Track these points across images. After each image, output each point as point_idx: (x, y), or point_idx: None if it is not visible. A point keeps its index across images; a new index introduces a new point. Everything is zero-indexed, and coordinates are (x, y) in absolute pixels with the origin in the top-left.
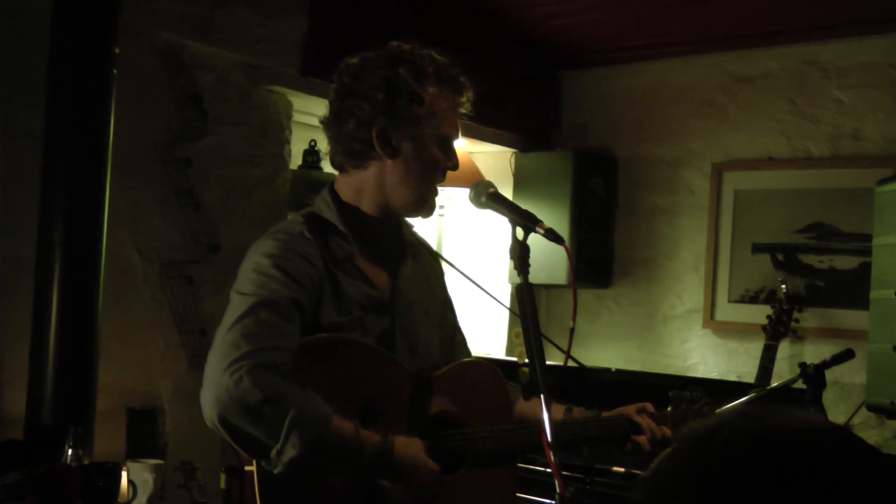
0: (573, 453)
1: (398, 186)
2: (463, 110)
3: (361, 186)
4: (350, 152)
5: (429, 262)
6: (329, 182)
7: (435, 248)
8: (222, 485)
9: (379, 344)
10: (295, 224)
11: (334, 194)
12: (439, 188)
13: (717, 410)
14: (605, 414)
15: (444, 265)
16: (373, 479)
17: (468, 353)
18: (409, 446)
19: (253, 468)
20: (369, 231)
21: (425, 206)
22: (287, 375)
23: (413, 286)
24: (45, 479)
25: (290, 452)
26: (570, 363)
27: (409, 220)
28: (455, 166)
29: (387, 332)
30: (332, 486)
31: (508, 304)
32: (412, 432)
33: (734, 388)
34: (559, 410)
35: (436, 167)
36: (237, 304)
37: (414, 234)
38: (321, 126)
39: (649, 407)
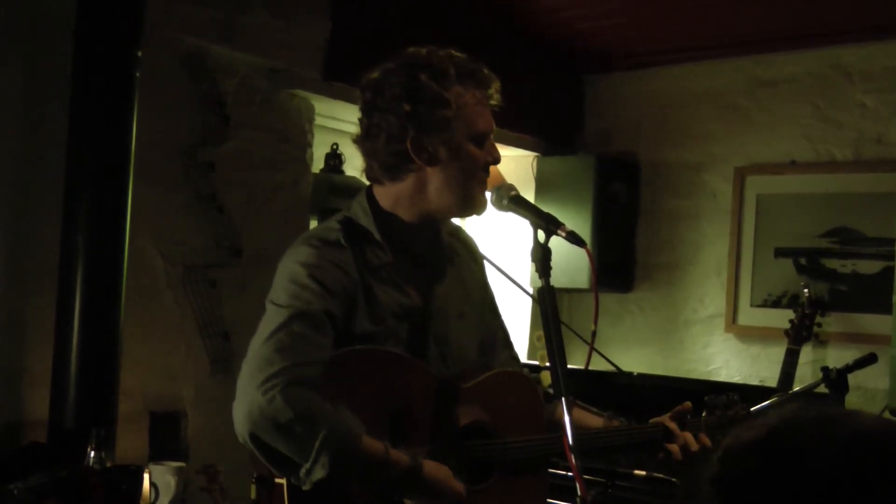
0: (608, 461)
1: (441, 192)
2: (493, 101)
3: (399, 196)
4: (386, 167)
5: (467, 262)
6: (365, 187)
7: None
8: (252, 495)
9: (410, 351)
10: (331, 231)
11: (372, 200)
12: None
13: (755, 408)
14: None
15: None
16: (400, 497)
17: (512, 351)
18: (438, 470)
19: (283, 480)
20: (406, 239)
21: (473, 205)
22: (318, 389)
23: (448, 291)
24: (69, 482)
25: (319, 473)
26: (599, 364)
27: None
28: (497, 159)
29: (419, 339)
30: (361, 501)
31: (530, 306)
32: (443, 442)
33: (757, 393)
34: (597, 420)
35: (476, 165)
36: (271, 316)
37: (453, 234)
38: (354, 144)
39: (687, 406)
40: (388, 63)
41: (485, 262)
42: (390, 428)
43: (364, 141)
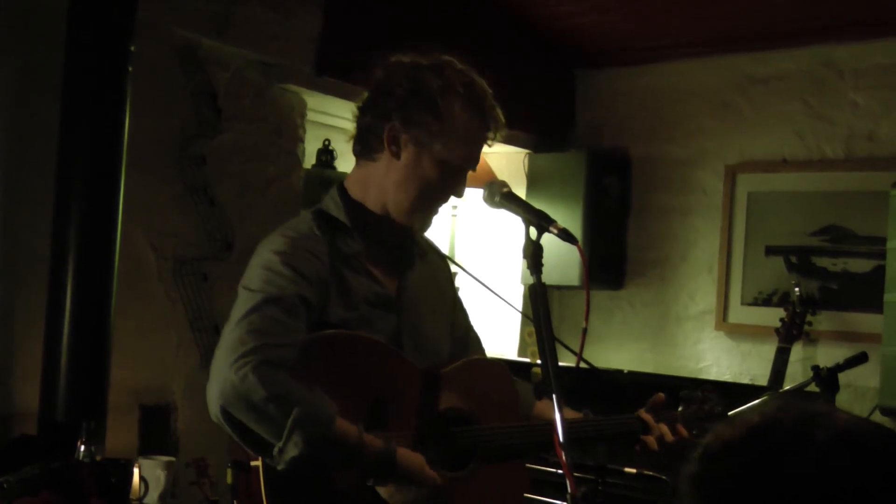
0: (589, 453)
1: (396, 189)
2: (487, 144)
3: (369, 180)
4: (363, 142)
5: (437, 262)
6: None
7: (448, 247)
8: (229, 480)
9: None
10: (304, 221)
11: (343, 192)
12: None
13: (734, 411)
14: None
15: (457, 268)
16: (374, 483)
17: (482, 350)
18: (412, 458)
19: (259, 463)
20: (375, 229)
21: (416, 218)
22: (292, 372)
23: (420, 285)
24: (59, 475)
25: (292, 451)
26: (583, 365)
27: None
28: (458, 195)
29: (393, 329)
30: (337, 484)
31: (522, 304)
32: (422, 427)
33: (747, 391)
34: (575, 416)
35: (429, 187)
36: (244, 300)
37: (422, 236)
38: (356, 111)
39: (661, 397)
40: (413, 55)
41: (461, 267)
42: (368, 412)
43: (358, 113)
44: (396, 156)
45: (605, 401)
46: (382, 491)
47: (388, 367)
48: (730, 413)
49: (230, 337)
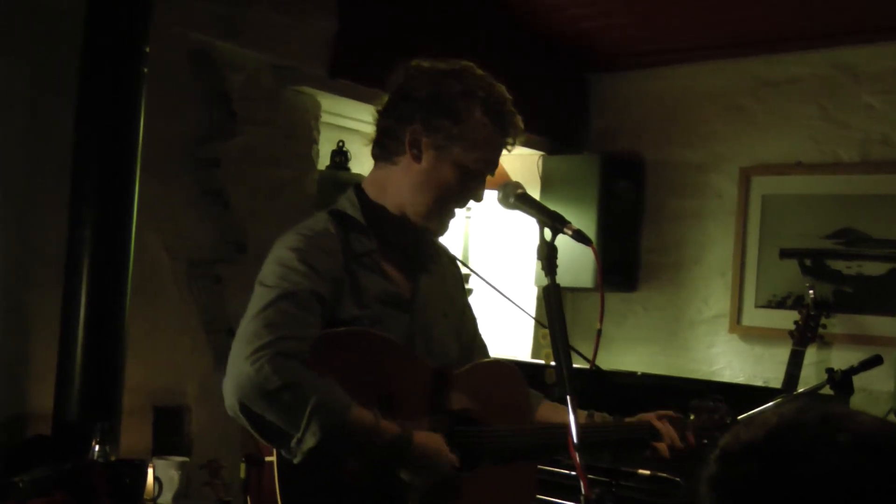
0: (595, 457)
1: (414, 192)
2: (506, 149)
3: (387, 183)
4: (383, 145)
5: (448, 266)
6: (356, 182)
7: (462, 250)
8: (242, 474)
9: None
10: (319, 220)
11: (360, 192)
12: (458, 211)
13: (744, 416)
14: (626, 420)
15: (469, 272)
16: (392, 469)
17: (487, 357)
18: (430, 438)
19: (273, 458)
20: (391, 229)
21: (433, 222)
22: (307, 364)
23: (432, 287)
24: (73, 475)
25: (310, 441)
26: (604, 363)
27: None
28: (477, 199)
29: (406, 329)
30: (352, 476)
31: (535, 306)
32: (431, 427)
33: (760, 394)
34: (581, 416)
35: (446, 190)
36: (260, 296)
37: (435, 239)
38: (377, 114)
39: (671, 415)
40: (435, 61)
41: (474, 272)
42: (379, 409)
43: (380, 115)
44: (417, 159)
45: (617, 403)
46: (404, 475)
47: (400, 365)
48: (739, 417)
49: (246, 331)
